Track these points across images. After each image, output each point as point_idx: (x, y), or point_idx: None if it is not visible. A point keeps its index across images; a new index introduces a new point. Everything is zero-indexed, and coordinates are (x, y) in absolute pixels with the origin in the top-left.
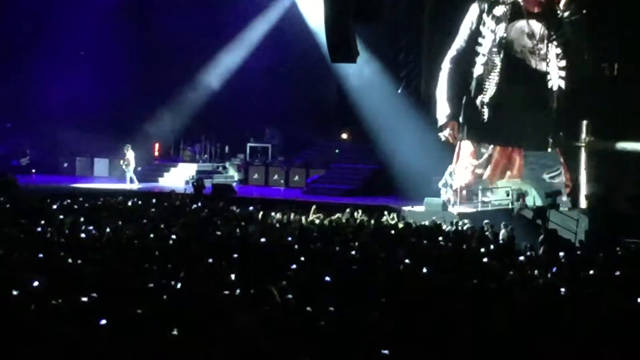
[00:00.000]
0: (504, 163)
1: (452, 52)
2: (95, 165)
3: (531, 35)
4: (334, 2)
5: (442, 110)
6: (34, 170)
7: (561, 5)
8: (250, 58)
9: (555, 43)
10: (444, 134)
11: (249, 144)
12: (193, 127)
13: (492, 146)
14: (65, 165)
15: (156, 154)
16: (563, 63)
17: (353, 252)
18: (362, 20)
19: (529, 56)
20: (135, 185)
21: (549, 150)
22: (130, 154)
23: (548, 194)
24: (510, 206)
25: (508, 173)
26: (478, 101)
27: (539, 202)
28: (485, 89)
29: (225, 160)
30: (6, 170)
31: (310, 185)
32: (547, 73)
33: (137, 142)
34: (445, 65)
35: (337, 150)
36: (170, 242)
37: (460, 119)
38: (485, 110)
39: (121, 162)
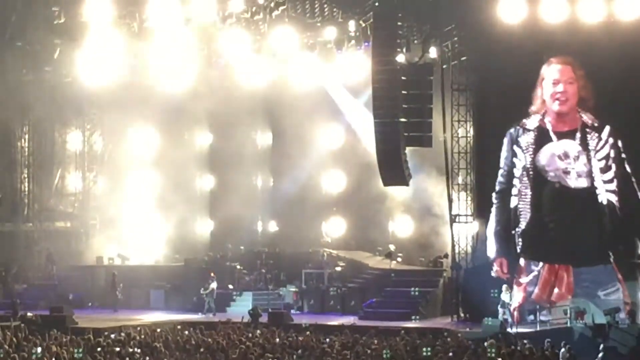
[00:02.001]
0: (552, 281)
1: (497, 187)
2: (152, 296)
3: (564, 156)
4: (385, 129)
5: (490, 245)
6: (90, 304)
7: (589, 119)
8: None
9: (596, 157)
10: (493, 271)
11: (304, 270)
12: (249, 254)
13: (541, 264)
14: (120, 297)
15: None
16: (608, 176)
17: None
18: (412, 144)
19: (564, 177)
20: (212, 315)
21: (607, 265)
22: (214, 284)
23: (607, 312)
24: (568, 324)
25: (556, 290)
26: (515, 231)
27: (598, 320)
28: (520, 219)
29: (281, 287)
30: (63, 303)
31: (366, 309)
32: (594, 188)
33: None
34: (494, 200)
35: (392, 275)
36: None
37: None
38: (521, 240)
39: (202, 290)
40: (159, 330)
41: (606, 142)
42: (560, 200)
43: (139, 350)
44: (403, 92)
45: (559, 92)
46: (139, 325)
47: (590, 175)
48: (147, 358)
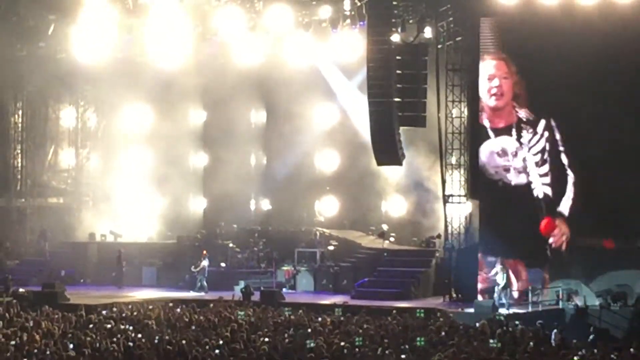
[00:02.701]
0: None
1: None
2: (144, 273)
3: (502, 153)
4: (379, 109)
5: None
6: (82, 280)
7: (525, 114)
8: None
9: (532, 152)
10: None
11: (297, 249)
12: (241, 232)
13: (498, 258)
14: (114, 274)
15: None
16: (544, 169)
17: (403, 356)
18: (406, 124)
19: (504, 174)
20: (204, 293)
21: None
22: (205, 262)
23: (599, 294)
24: (560, 306)
25: (519, 283)
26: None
27: (589, 302)
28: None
29: (273, 266)
30: (55, 280)
31: (358, 289)
32: (529, 183)
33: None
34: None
35: (385, 254)
36: (217, 351)
37: None
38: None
39: (193, 268)
40: (150, 307)
41: (542, 135)
42: (502, 197)
43: (130, 327)
44: (398, 71)
45: (495, 87)
46: (130, 302)
47: (526, 170)
48: (139, 335)
